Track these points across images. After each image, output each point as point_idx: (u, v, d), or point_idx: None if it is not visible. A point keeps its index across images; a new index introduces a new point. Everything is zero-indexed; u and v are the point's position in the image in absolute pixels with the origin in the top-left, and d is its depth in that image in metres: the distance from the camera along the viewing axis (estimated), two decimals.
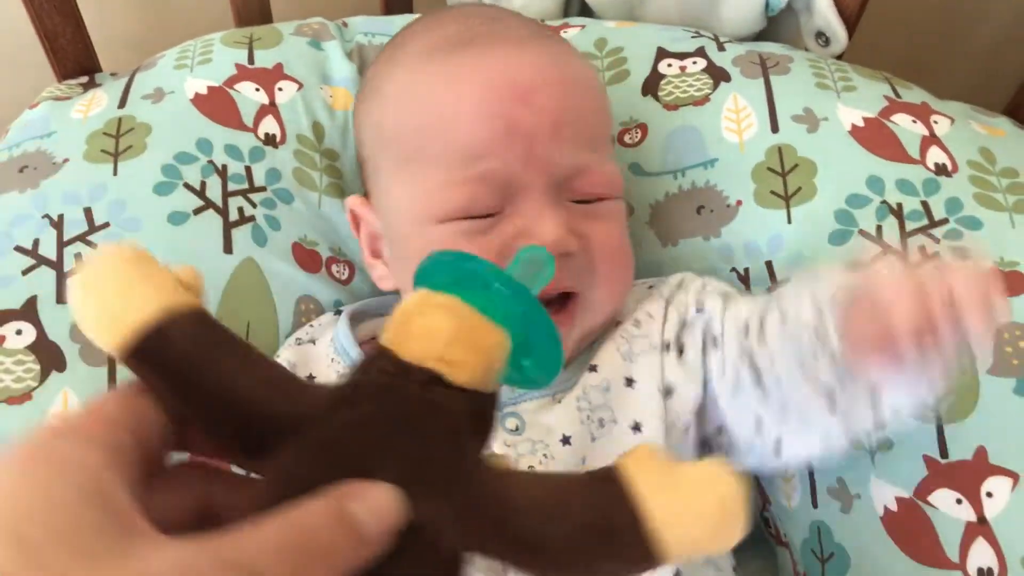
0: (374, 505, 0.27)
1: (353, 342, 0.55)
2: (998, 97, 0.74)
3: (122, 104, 0.60)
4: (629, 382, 0.50)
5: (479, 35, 0.51)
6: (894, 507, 0.51)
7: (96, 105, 0.60)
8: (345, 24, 0.70)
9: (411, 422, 0.30)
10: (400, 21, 0.70)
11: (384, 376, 0.31)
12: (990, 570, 0.48)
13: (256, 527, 0.25)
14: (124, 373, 0.50)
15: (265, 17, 0.73)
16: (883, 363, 0.39)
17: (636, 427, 0.48)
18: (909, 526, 0.50)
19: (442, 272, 0.34)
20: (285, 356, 0.56)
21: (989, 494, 0.49)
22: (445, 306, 0.32)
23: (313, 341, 0.58)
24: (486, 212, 0.48)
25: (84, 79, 0.66)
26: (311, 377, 0.55)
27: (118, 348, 0.29)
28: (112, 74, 0.67)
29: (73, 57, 0.66)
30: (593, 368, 0.50)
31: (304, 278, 0.59)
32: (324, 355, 0.57)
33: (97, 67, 0.68)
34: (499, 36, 0.51)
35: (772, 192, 0.58)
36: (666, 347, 0.51)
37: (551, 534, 0.29)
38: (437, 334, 0.31)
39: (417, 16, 0.69)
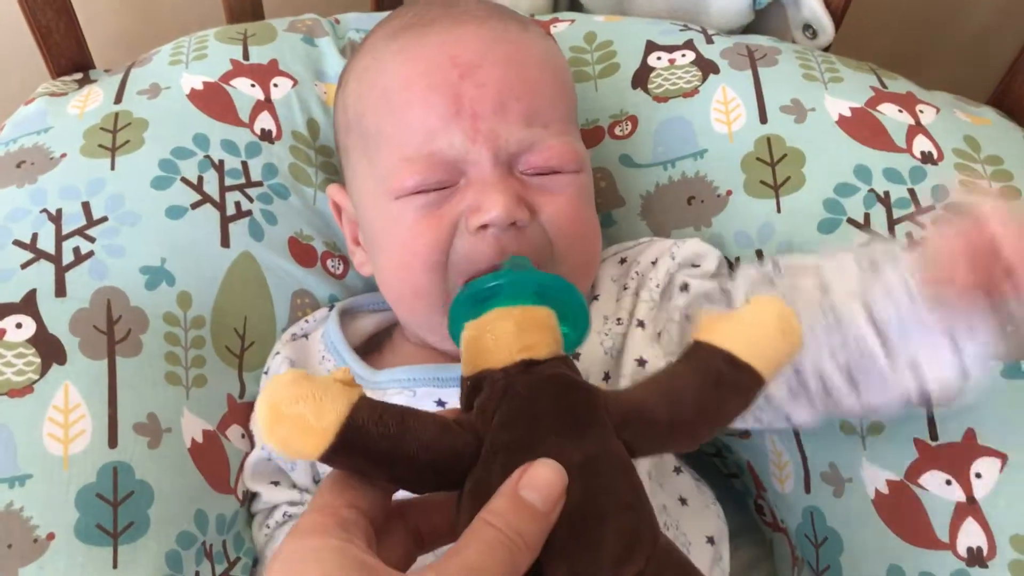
0: (540, 483, 0.34)
1: (342, 339, 0.56)
2: (984, 88, 0.75)
3: (118, 99, 0.60)
4: (606, 376, 0.51)
5: (435, 18, 0.53)
6: (885, 490, 0.52)
7: (92, 101, 0.60)
8: (338, 21, 0.71)
9: (542, 399, 0.38)
10: (388, 16, 0.71)
11: (497, 386, 0.38)
12: (979, 549, 0.49)
13: (464, 538, 0.33)
14: (124, 366, 0.51)
15: (256, 14, 0.73)
16: (985, 300, 0.40)
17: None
18: (900, 508, 0.51)
19: (466, 306, 0.41)
20: (285, 353, 0.57)
21: (978, 475, 0.50)
22: (495, 316, 0.40)
23: (306, 336, 0.59)
24: (439, 186, 0.50)
25: (78, 75, 0.66)
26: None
27: (323, 451, 0.34)
28: (106, 70, 0.68)
29: (67, 53, 0.66)
30: (576, 357, 0.51)
31: (300, 272, 0.60)
32: (315, 351, 0.57)
33: (90, 63, 0.68)
34: (452, 18, 0.53)
35: (761, 182, 0.59)
36: (639, 324, 0.52)
37: (685, 415, 0.38)
38: (506, 335, 0.39)
39: None
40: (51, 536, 0.45)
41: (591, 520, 0.35)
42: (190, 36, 0.66)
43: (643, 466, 0.52)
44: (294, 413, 0.34)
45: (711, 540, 0.55)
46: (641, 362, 0.52)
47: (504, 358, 0.39)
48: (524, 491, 0.33)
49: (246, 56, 0.64)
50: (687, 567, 0.37)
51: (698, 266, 0.55)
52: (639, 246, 0.58)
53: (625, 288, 0.55)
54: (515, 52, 0.51)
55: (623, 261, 0.58)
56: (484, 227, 0.48)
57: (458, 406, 0.41)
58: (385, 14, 0.71)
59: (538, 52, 0.53)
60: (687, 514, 0.55)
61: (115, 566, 0.46)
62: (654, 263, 0.56)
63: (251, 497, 0.56)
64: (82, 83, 0.65)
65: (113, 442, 0.48)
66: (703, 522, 0.56)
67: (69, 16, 0.65)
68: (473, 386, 0.40)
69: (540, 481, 0.34)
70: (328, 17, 0.71)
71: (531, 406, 0.38)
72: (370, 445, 0.35)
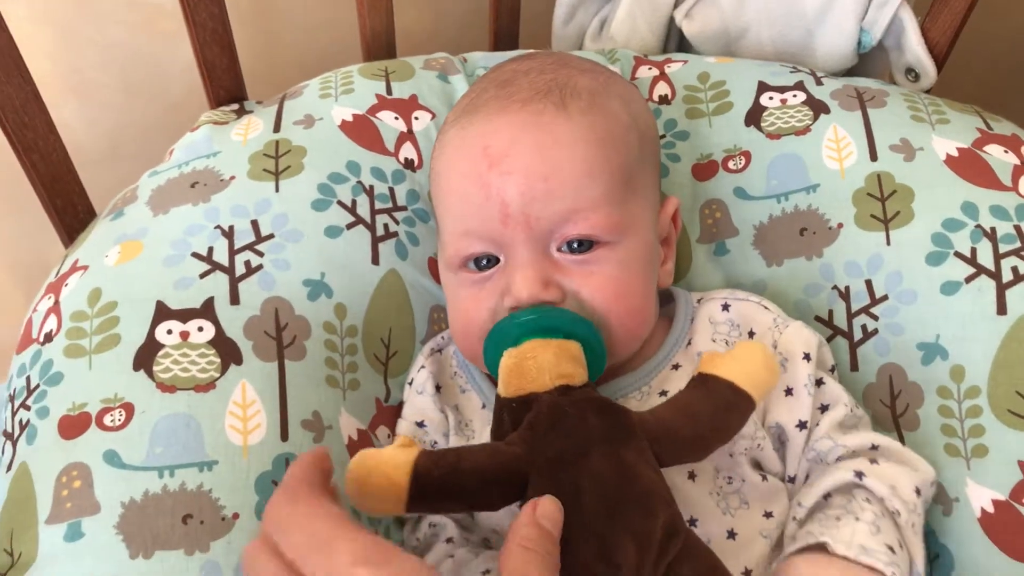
0: (550, 513, 0.43)
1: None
2: None
3: (277, 128, 0.66)
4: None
5: (486, 101, 0.58)
6: (991, 509, 0.55)
7: (253, 129, 0.67)
8: (465, 59, 0.77)
9: (588, 415, 0.46)
10: (511, 55, 0.76)
11: (544, 405, 0.47)
12: None
13: (504, 546, 0.42)
14: (291, 368, 0.56)
15: (391, 52, 0.79)
16: None
17: None
18: (1006, 526, 0.54)
19: (507, 335, 0.51)
20: (429, 369, 0.62)
21: None
22: (535, 345, 0.49)
23: (441, 350, 0.64)
24: (486, 264, 0.55)
25: (235, 106, 0.73)
26: (438, 388, 0.61)
27: (405, 504, 0.43)
28: (258, 102, 0.74)
29: (226, 86, 0.73)
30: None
31: (437, 290, 0.65)
32: (448, 366, 0.63)
33: (245, 95, 0.75)
34: (499, 102, 0.57)
35: (872, 216, 0.63)
36: None
37: (703, 431, 0.47)
38: (547, 364, 0.48)
39: (523, 53, 0.74)
40: (236, 516, 0.51)
41: (644, 509, 0.44)
42: (336, 72, 0.72)
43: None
44: (373, 484, 0.43)
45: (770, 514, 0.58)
46: None
47: (545, 383, 0.47)
48: (542, 520, 0.42)
49: (389, 91, 0.70)
50: (713, 559, 0.45)
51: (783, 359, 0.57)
52: (745, 304, 0.60)
53: (725, 342, 0.59)
54: (544, 136, 0.54)
55: (726, 307, 0.61)
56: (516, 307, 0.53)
57: None
58: (503, 54, 0.77)
59: (570, 132, 0.55)
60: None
61: None
62: (752, 334, 0.59)
63: None
64: (239, 113, 0.71)
65: (284, 435, 0.54)
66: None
67: (231, 52, 0.72)
68: (519, 406, 0.47)
69: (550, 512, 0.43)
70: (457, 56, 0.77)
71: (580, 421, 0.46)
72: (438, 486, 0.43)
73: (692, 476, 0.54)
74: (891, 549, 0.48)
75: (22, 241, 1.01)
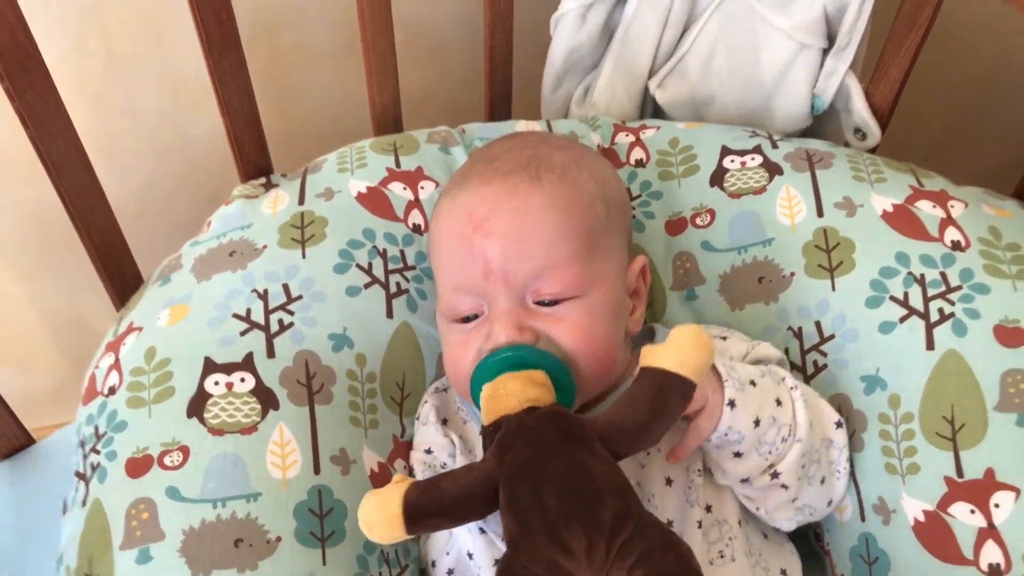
0: None
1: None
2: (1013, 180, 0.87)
3: (301, 201, 0.76)
4: None
5: (472, 175, 0.68)
6: (922, 518, 0.64)
7: (280, 202, 0.77)
8: (464, 131, 0.86)
9: (546, 427, 0.55)
10: (505, 127, 0.86)
11: (511, 424, 0.56)
12: (998, 565, 0.60)
13: None
14: (321, 411, 0.66)
15: (398, 126, 0.89)
16: None
17: None
18: (934, 533, 0.63)
19: (483, 373, 0.60)
20: (432, 403, 0.71)
21: (996, 505, 0.61)
22: (505, 378, 0.58)
23: (446, 389, 0.74)
24: (471, 314, 0.65)
25: (263, 179, 0.83)
26: (444, 421, 0.70)
27: (403, 529, 0.53)
28: (282, 175, 0.84)
29: (253, 160, 0.83)
30: None
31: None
32: (453, 402, 0.72)
33: (271, 168, 0.85)
34: (484, 175, 0.67)
35: (819, 265, 0.73)
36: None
37: (643, 418, 0.54)
38: (515, 390, 0.57)
39: (514, 133, 0.84)
40: (278, 539, 0.60)
41: (592, 500, 0.51)
42: (350, 147, 0.82)
43: (734, 515, 0.66)
44: (374, 518, 0.53)
45: (784, 572, 0.68)
46: None
47: (514, 406, 0.56)
48: None
49: (398, 164, 0.80)
50: (666, 532, 0.52)
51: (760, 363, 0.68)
52: (728, 341, 0.71)
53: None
54: (520, 204, 0.64)
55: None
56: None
57: None
58: (498, 125, 0.87)
59: (543, 200, 0.64)
60: (767, 547, 0.68)
61: (323, 563, 0.61)
62: (731, 357, 0.69)
63: None
64: (267, 187, 0.81)
65: (317, 470, 0.64)
66: (780, 555, 0.69)
67: (258, 129, 0.82)
68: (493, 429, 0.56)
69: None
70: (456, 127, 0.87)
71: (538, 433, 0.54)
72: (428, 508, 0.53)
73: (669, 482, 0.63)
74: (752, 383, 0.61)
75: (56, 296, 1.12)
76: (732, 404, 0.60)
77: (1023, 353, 0.65)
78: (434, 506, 0.53)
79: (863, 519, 0.68)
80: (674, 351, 0.55)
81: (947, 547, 0.62)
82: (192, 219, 0.83)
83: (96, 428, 0.66)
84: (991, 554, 0.61)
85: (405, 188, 0.78)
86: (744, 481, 0.63)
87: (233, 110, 0.79)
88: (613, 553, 0.51)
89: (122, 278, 0.79)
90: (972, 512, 0.62)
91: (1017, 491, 0.61)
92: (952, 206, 0.73)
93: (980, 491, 0.62)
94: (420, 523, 0.53)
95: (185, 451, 0.62)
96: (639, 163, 0.83)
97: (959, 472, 0.63)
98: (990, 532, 0.61)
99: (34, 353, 1.14)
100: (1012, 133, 1.14)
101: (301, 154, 0.89)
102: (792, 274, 0.74)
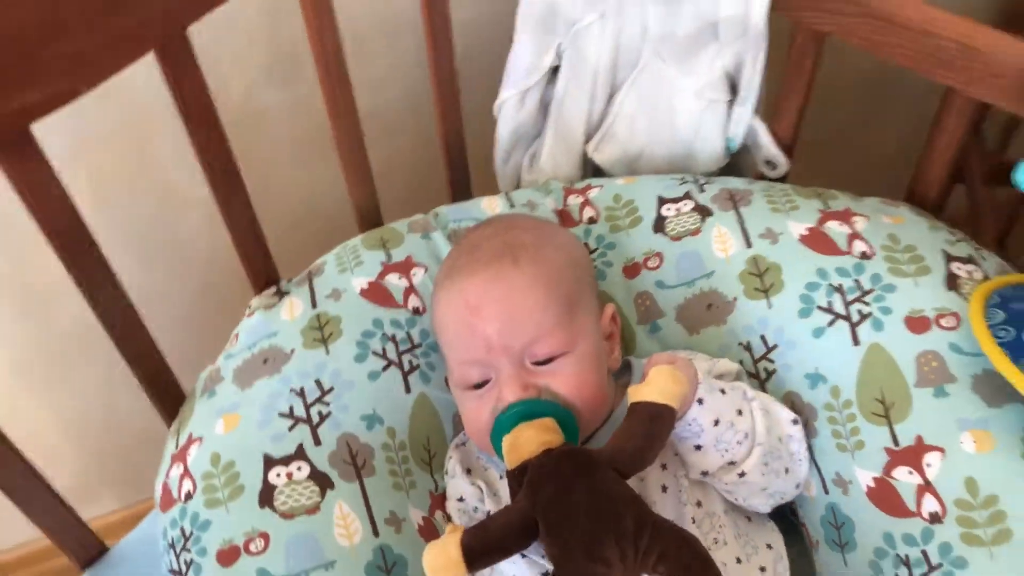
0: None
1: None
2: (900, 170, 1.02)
3: (314, 304, 0.88)
4: None
5: (459, 267, 0.81)
6: (872, 484, 0.78)
7: (296, 309, 0.88)
8: (436, 214, 0.99)
9: (564, 464, 0.67)
10: (470, 206, 0.99)
11: (535, 466, 0.67)
12: (937, 512, 0.74)
13: None
14: (368, 483, 0.78)
15: (378, 217, 1.02)
16: None
17: None
18: (884, 494, 0.77)
19: (501, 427, 0.72)
20: (457, 458, 0.84)
21: (928, 464, 0.75)
22: (521, 428, 0.70)
23: (464, 444, 0.86)
24: (481, 381, 0.78)
25: (274, 288, 0.94)
26: (468, 471, 0.83)
27: (464, 569, 0.63)
28: (289, 280, 0.96)
29: (262, 272, 0.94)
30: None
31: (453, 400, 0.87)
32: (472, 453, 0.85)
33: (278, 277, 0.97)
34: (468, 266, 0.80)
35: (755, 288, 0.87)
36: None
37: (640, 443, 0.67)
38: (531, 437, 0.69)
39: (478, 209, 0.98)
40: None
41: (615, 515, 0.64)
42: (343, 247, 0.94)
43: (719, 506, 0.79)
44: (439, 564, 0.63)
45: (770, 546, 0.81)
46: None
47: (533, 450, 0.67)
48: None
49: (389, 258, 0.92)
50: (677, 529, 0.64)
51: (723, 376, 0.82)
52: (693, 361, 0.83)
53: None
54: (506, 288, 0.77)
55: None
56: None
57: None
58: (466, 204, 1.00)
59: (525, 280, 0.76)
60: (752, 528, 0.82)
61: None
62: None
63: None
64: (279, 295, 0.93)
65: (376, 533, 0.76)
66: (763, 533, 0.82)
67: (263, 245, 0.93)
68: (519, 472, 0.67)
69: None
70: (429, 212, 1.00)
71: (559, 470, 0.66)
72: (482, 548, 0.64)
73: (664, 489, 0.77)
74: (722, 391, 0.75)
75: (72, 400, 1.23)
76: (701, 401, 0.73)
77: (930, 337, 0.80)
78: (486, 546, 0.65)
79: (827, 492, 0.82)
80: (656, 386, 0.69)
81: (895, 504, 0.77)
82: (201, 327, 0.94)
83: (182, 530, 0.77)
84: (930, 505, 0.75)
85: (400, 277, 0.91)
86: (704, 474, 0.76)
87: (237, 222, 0.89)
88: (640, 555, 0.64)
89: (166, 392, 0.90)
90: (910, 473, 0.76)
91: (942, 450, 0.76)
92: (855, 221, 0.88)
93: (914, 455, 0.76)
94: (477, 562, 0.65)
95: (265, 537, 0.74)
96: (591, 220, 0.96)
97: (895, 442, 0.78)
98: (927, 487, 0.75)
99: (57, 452, 1.25)
100: (895, 132, 1.31)
101: (297, 253, 1.00)
102: (735, 299, 0.88)
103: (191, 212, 1.15)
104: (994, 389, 0.76)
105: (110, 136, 1.05)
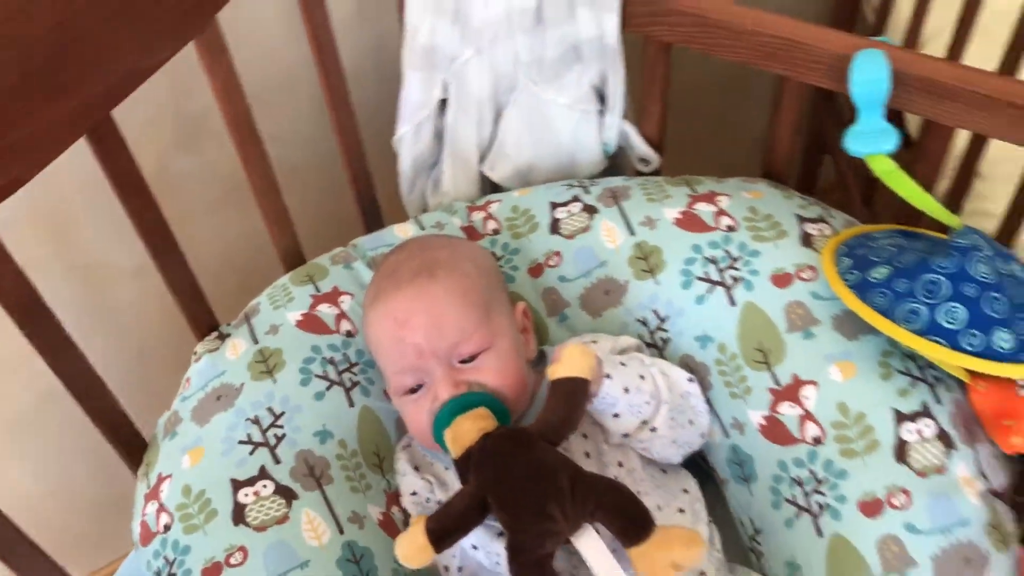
0: None
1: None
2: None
3: (255, 341, 0.97)
4: None
5: (383, 289, 0.91)
6: (763, 422, 0.91)
7: (239, 348, 0.97)
8: (355, 245, 1.09)
9: (503, 443, 0.77)
10: (385, 234, 1.08)
11: (476, 450, 0.77)
12: (817, 436, 0.87)
13: None
14: (329, 490, 0.87)
15: (300, 256, 1.11)
16: None
17: None
18: (773, 429, 0.90)
19: (440, 422, 0.81)
20: (404, 457, 0.94)
21: (806, 397, 0.89)
22: (459, 420, 0.79)
23: (410, 444, 0.96)
24: (416, 385, 0.88)
25: (216, 334, 1.03)
26: (417, 468, 0.93)
27: (432, 552, 0.73)
28: (228, 324, 1.04)
29: (204, 321, 1.03)
30: None
31: (393, 408, 0.97)
32: (418, 452, 0.95)
33: (218, 323, 1.05)
34: (391, 287, 0.90)
35: (643, 270, 0.99)
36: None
37: (564, 414, 0.78)
38: (469, 427, 0.78)
39: (392, 236, 1.08)
40: None
41: (553, 478, 0.74)
42: (274, 286, 1.03)
43: (638, 463, 0.91)
44: (410, 551, 0.73)
45: (686, 490, 0.93)
46: None
47: (473, 438, 0.76)
48: None
49: (317, 290, 1.02)
50: (606, 479, 0.76)
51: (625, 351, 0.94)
52: (598, 343, 0.94)
53: None
54: (427, 300, 0.87)
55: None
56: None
57: None
58: (381, 233, 1.10)
59: (444, 291, 0.86)
60: (668, 478, 0.93)
61: None
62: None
63: None
64: (222, 338, 1.01)
65: (341, 531, 0.85)
66: (679, 480, 0.94)
67: (202, 297, 1.02)
68: (464, 459, 0.76)
69: None
70: (348, 245, 1.10)
71: (498, 450, 0.75)
72: (445, 530, 0.73)
73: (588, 455, 0.88)
74: (622, 363, 0.85)
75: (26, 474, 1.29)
76: (609, 376, 0.84)
77: (793, 289, 0.93)
78: (448, 528, 0.75)
79: (727, 436, 0.95)
80: (568, 363, 0.80)
81: (783, 435, 0.90)
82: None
83: (166, 558, 0.85)
84: (811, 430, 0.88)
85: (330, 306, 1.00)
86: (626, 436, 0.88)
87: (177, 284, 0.99)
88: (578, 507, 0.74)
89: (129, 445, 0.98)
90: (792, 407, 0.89)
91: (816, 383, 0.89)
92: (720, 200, 1.01)
93: (792, 391, 0.90)
94: (442, 543, 0.74)
95: (244, 550, 0.83)
96: (495, 231, 1.07)
97: (777, 383, 0.91)
98: (807, 416, 0.89)
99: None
100: (759, 118, 1.46)
101: (233, 299, 1.09)
102: (627, 282, 1.00)
103: (117, 285, 1.23)
104: (851, 325, 0.90)
105: (31, 222, 1.12)
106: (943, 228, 0.93)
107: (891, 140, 0.90)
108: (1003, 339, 0.82)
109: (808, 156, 1.63)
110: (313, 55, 1.05)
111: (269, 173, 1.04)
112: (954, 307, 0.83)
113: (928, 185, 0.96)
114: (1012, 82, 0.91)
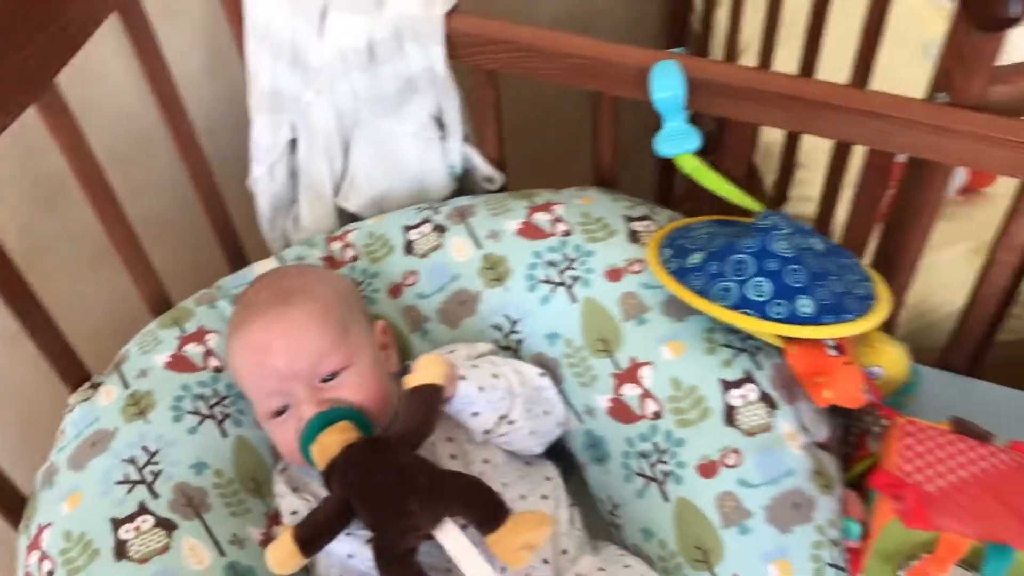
0: None
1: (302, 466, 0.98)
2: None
3: (126, 386, 1.01)
4: None
5: (243, 320, 0.97)
6: (610, 404, 0.99)
7: (111, 394, 1.00)
8: (219, 287, 1.14)
9: (362, 452, 0.83)
10: (247, 272, 1.13)
11: (340, 462, 0.83)
12: (657, 411, 0.96)
13: None
14: (208, 517, 0.92)
15: (167, 301, 1.15)
16: None
17: None
18: (619, 409, 0.98)
19: (306, 438, 0.86)
20: (282, 480, 0.98)
21: (643, 377, 0.98)
22: (322, 435, 0.86)
23: (286, 468, 1.01)
24: (281, 407, 0.93)
25: (88, 384, 1.06)
26: (295, 489, 0.98)
27: (301, 559, 0.80)
28: (99, 375, 1.07)
29: (75, 372, 1.06)
30: None
31: (266, 435, 1.02)
32: (294, 473, 1.00)
33: (89, 374, 1.08)
34: (251, 317, 0.95)
35: (492, 279, 1.07)
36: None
37: (421, 417, 0.83)
38: (332, 440, 0.83)
39: (253, 274, 1.12)
40: None
41: (411, 478, 0.79)
42: (142, 333, 1.07)
43: (502, 458, 0.97)
44: (280, 558, 0.78)
45: (548, 477, 1.00)
46: None
47: (336, 451, 0.81)
48: None
49: (183, 331, 1.06)
50: (457, 473, 0.83)
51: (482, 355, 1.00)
52: (456, 352, 1.00)
53: None
54: (284, 325, 0.92)
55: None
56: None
57: None
58: (243, 272, 1.15)
59: (301, 315, 0.91)
60: (531, 468, 1.00)
61: None
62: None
63: None
64: (95, 387, 1.04)
65: (222, 554, 0.89)
66: (542, 469, 1.01)
67: (72, 353, 1.05)
68: (329, 472, 0.81)
69: None
70: (212, 287, 1.14)
71: (359, 458, 0.80)
72: (311, 535, 0.78)
73: (453, 456, 0.94)
74: (475, 366, 0.90)
75: None
76: (464, 378, 0.91)
77: (625, 282, 1.02)
78: (314, 533, 0.80)
79: (581, 422, 1.03)
80: (421, 372, 0.86)
81: (628, 414, 0.98)
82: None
83: None
84: (651, 407, 0.97)
85: (196, 345, 1.05)
86: (487, 432, 0.94)
87: (44, 343, 1.02)
88: (436, 501, 0.80)
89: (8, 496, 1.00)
90: (632, 387, 0.98)
91: (651, 363, 0.98)
92: (555, 209, 1.09)
93: (632, 374, 0.98)
94: (310, 546, 0.80)
95: None
96: (354, 259, 1.14)
97: (618, 368, 0.99)
98: (646, 394, 0.97)
99: None
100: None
101: (111, 351, 1.12)
102: (478, 292, 1.07)
103: None
104: (677, 308, 0.99)
105: None
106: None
107: (694, 140, 1.00)
108: (804, 305, 0.92)
109: (663, 168, 1.75)
110: (160, 112, 1.09)
111: (128, 229, 1.08)
112: (760, 281, 0.93)
113: (735, 177, 1.06)
114: (797, 80, 1.03)
